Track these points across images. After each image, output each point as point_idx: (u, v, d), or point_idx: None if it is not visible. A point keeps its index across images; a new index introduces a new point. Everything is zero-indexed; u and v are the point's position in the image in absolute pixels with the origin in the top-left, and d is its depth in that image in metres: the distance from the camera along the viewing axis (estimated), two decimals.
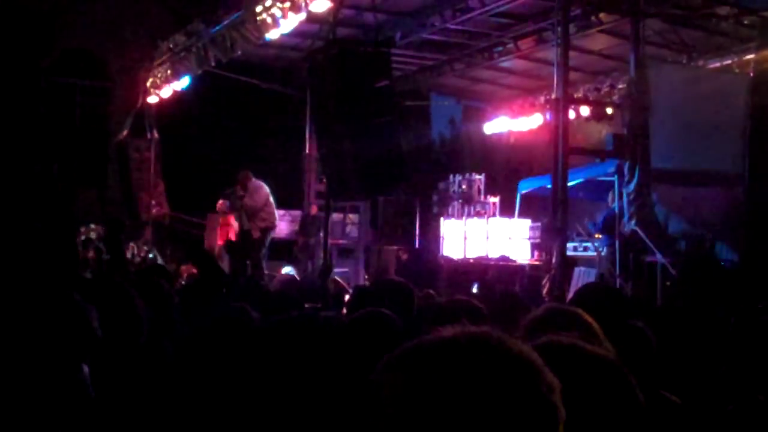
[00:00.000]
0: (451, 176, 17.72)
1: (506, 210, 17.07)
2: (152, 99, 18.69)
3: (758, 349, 3.59)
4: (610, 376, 1.77)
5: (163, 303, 3.91)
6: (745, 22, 13.70)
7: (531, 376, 1.35)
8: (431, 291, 8.65)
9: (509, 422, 1.30)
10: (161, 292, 4.06)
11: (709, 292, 10.61)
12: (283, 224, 17.42)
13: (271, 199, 15.45)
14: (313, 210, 17.62)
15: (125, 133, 19.00)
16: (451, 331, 1.40)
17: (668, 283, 11.79)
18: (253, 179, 15.49)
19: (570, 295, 11.61)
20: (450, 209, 17.30)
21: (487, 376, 1.32)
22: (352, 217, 18.36)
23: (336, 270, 15.24)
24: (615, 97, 16.20)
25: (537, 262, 14.93)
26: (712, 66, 15.17)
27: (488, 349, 1.36)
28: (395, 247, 16.65)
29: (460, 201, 17.15)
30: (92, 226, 16.79)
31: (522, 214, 16.88)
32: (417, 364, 1.36)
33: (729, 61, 15.00)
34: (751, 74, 13.57)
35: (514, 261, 15.12)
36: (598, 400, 1.68)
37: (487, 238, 15.94)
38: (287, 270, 16.39)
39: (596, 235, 14.23)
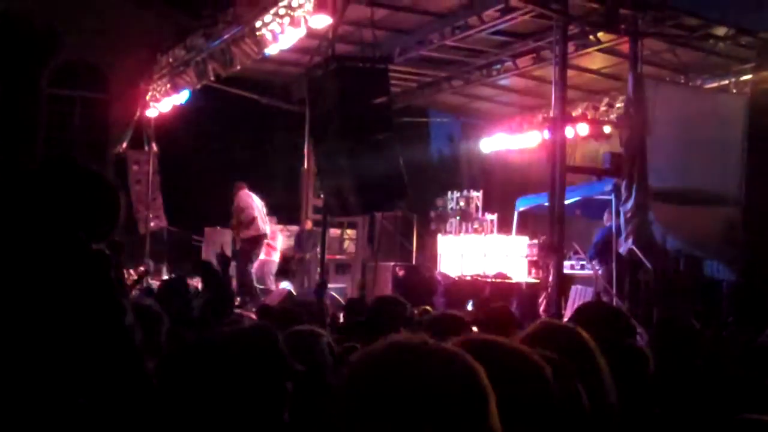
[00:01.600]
0: (449, 193, 17.76)
1: (504, 227, 17.08)
2: (151, 112, 18.72)
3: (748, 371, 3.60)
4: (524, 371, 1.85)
5: (153, 325, 3.90)
6: (743, 42, 13.75)
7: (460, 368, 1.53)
8: (428, 308, 8.65)
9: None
10: (151, 314, 4.05)
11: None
12: (279, 239, 17.40)
13: (256, 208, 15.08)
14: (308, 225, 17.62)
15: (124, 145, 19.03)
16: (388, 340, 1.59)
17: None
18: (240, 191, 15.27)
19: (566, 312, 11.64)
20: (447, 226, 17.32)
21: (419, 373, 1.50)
22: (350, 232, 18.38)
23: (332, 285, 15.23)
24: (613, 116, 16.25)
25: (534, 280, 14.93)
26: (709, 86, 15.23)
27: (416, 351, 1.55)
28: (392, 263, 16.66)
29: (458, 218, 17.19)
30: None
31: (519, 232, 16.89)
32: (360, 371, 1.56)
33: (726, 82, 15.07)
34: (749, 94, 13.62)
35: (511, 278, 15.11)
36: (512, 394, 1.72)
37: (485, 255, 15.95)
38: (284, 285, 16.39)
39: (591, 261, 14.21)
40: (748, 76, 14.17)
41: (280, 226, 17.81)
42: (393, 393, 1.47)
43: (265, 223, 15.15)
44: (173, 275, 13.74)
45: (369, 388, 1.50)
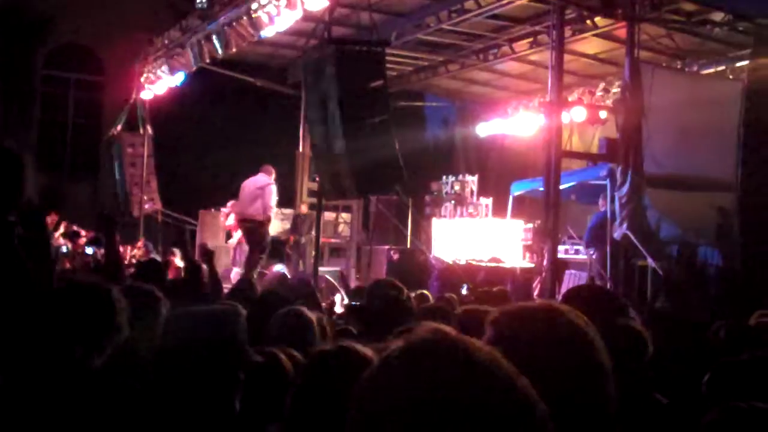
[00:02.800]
0: (444, 177, 17.74)
1: (498, 212, 17.08)
2: (146, 95, 18.65)
3: (743, 357, 3.60)
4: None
5: (147, 307, 3.87)
6: (740, 28, 13.74)
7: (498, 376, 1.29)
8: (425, 292, 8.66)
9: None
10: (148, 297, 4.02)
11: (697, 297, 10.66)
12: (274, 222, 17.40)
13: (243, 191, 15.17)
14: (304, 209, 17.61)
15: (119, 128, 18.97)
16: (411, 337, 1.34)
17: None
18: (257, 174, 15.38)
19: (560, 296, 11.65)
20: (442, 210, 17.32)
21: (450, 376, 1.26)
22: (345, 216, 18.37)
23: (327, 269, 15.24)
24: (609, 101, 16.24)
25: (529, 264, 14.95)
26: (705, 72, 15.21)
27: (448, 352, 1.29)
28: (387, 247, 16.65)
29: (453, 202, 17.18)
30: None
31: (514, 216, 16.89)
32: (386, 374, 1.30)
33: (723, 67, 15.06)
34: (745, 81, 13.62)
35: (505, 263, 15.13)
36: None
37: (479, 239, 15.95)
38: (278, 268, 16.36)
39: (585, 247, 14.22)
40: (745, 62, 14.17)
41: (275, 210, 17.81)
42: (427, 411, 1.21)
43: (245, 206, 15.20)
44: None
45: (394, 401, 1.24)
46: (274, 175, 15.29)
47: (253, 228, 14.95)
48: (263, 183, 15.04)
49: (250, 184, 15.08)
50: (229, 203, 17.13)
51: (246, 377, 2.74)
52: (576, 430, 1.67)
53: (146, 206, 18.63)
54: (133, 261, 15.05)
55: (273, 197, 15.01)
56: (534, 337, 1.80)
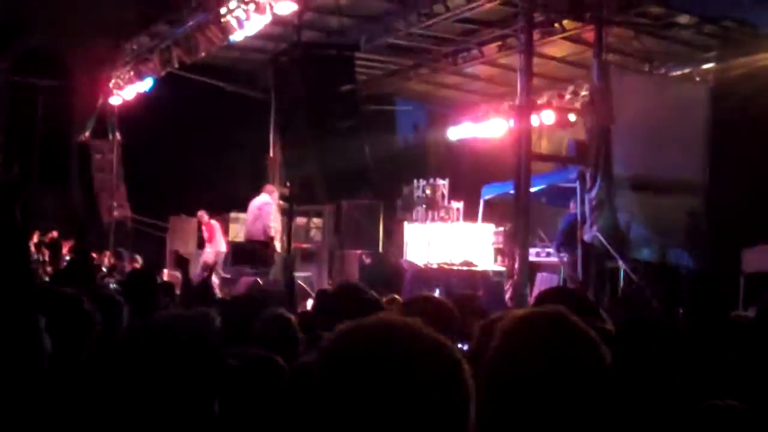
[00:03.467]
0: (415, 181, 17.73)
1: (470, 215, 17.09)
2: (115, 100, 18.52)
3: (714, 356, 3.63)
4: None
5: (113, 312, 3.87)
6: (706, 31, 13.86)
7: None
8: (396, 296, 8.64)
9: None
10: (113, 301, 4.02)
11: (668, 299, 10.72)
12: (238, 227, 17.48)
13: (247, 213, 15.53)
14: None
15: (87, 134, 18.82)
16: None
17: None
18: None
19: (532, 300, 11.69)
20: (414, 214, 17.29)
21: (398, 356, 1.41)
22: (316, 221, 18.31)
23: (299, 274, 15.17)
24: (578, 104, 16.31)
25: (500, 268, 14.97)
26: (673, 74, 15.32)
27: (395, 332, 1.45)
28: (359, 252, 16.62)
29: (424, 206, 17.16)
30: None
31: (485, 220, 16.92)
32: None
33: (690, 70, 15.17)
34: (712, 83, 13.74)
35: (477, 266, 15.14)
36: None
37: (451, 243, 15.95)
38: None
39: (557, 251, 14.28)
40: (711, 65, 14.29)
41: (244, 215, 17.78)
42: (373, 376, 1.38)
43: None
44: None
45: (348, 367, 1.41)
46: (276, 194, 15.29)
47: (258, 248, 15.01)
48: (262, 203, 15.12)
49: (252, 204, 15.17)
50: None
51: (225, 380, 2.73)
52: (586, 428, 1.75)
53: (115, 213, 18.50)
54: (102, 269, 14.96)
55: (272, 216, 14.99)
56: (545, 345, 1.90)
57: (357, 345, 1.43)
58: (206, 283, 8.08)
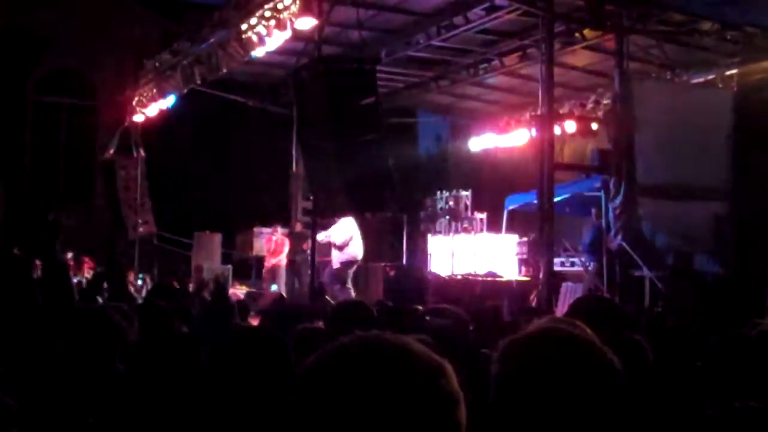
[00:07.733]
0: (438, 193, 17.74)
1: (493, 226, 17.07)
2: (138, 117, 18.66)
3: (737, 363, 3.61)
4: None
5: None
6: (728, 37, 13.78)
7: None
8: (419, 307, 8.62)
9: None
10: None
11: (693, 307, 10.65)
12: (257, 242, 17.52)
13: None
14: (298, 227, 17.59)
15: (111, 151, 18.97)
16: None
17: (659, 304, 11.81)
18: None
19: (558, 310, 11.64)
20: (437, 226, 17.30)
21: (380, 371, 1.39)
22: None
23: None
24: (600, 113, 16.26)
25: (525, 278, 14.93)
26: (695, 81, 15.24)
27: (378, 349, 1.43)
28: (383, 264, 16.63)
29: (448, 217, 17.16)
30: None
31: (509, 230, 16.90)
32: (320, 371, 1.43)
33: (713, 76, 15.07)
34: (735, 89, 13.66)
35: (502, 277, 15.11)
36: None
37: (475, 254, 15.94)
38: (274, 288, 16.36)
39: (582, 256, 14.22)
40: (734, 71, 14.22)
41: (269, 229, 17.83)
42: (348, 396, 1.36)
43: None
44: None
45: (323, 389, 1.38)
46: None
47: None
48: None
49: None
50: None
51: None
52: None
53: (140, 229, 18.61)
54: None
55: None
56: (549, 366, 1.85)
57: (335, 364, 1.42)
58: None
